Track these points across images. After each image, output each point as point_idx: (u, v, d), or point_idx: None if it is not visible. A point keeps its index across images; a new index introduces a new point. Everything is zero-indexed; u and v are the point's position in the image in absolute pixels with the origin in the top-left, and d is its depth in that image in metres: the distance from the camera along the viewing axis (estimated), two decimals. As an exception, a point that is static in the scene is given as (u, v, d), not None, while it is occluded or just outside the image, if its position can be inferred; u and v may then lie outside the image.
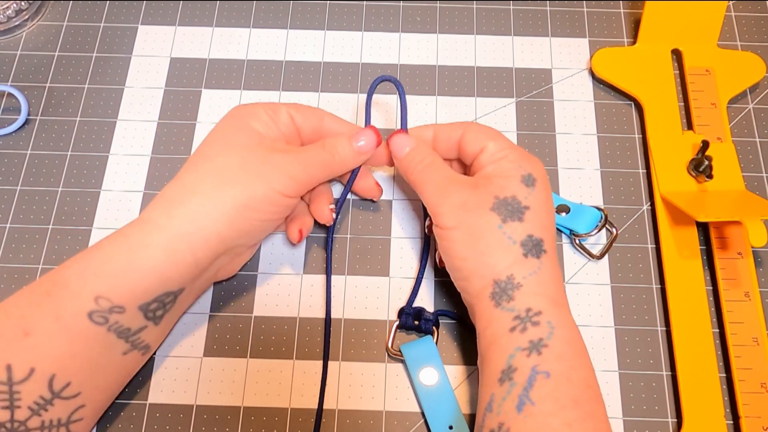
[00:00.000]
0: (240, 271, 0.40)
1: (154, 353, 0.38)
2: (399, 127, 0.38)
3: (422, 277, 0.39)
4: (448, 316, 0.38)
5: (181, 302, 0.34)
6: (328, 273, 0.39)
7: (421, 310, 0.38)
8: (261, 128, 0.35)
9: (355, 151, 0.36)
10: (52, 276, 0.31)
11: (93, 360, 0.31)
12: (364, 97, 0.45)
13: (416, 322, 0.38)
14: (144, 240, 0.31)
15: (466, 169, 0.38)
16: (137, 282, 0.31)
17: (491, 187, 0.33)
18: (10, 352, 0.29)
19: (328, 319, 0.38)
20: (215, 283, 0.40)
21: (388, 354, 0.38)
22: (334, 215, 0.38)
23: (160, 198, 0.33)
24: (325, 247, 0.41)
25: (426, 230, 0.40)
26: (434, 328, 0.38)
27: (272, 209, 0.33)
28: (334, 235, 0.41)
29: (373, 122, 0.38)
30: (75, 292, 0.30)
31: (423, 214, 0.41)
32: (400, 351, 0.37)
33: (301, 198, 0.39)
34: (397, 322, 0.38)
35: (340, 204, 0.39)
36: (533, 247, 0.32)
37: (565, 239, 0.41)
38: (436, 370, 0.36)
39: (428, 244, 0.40)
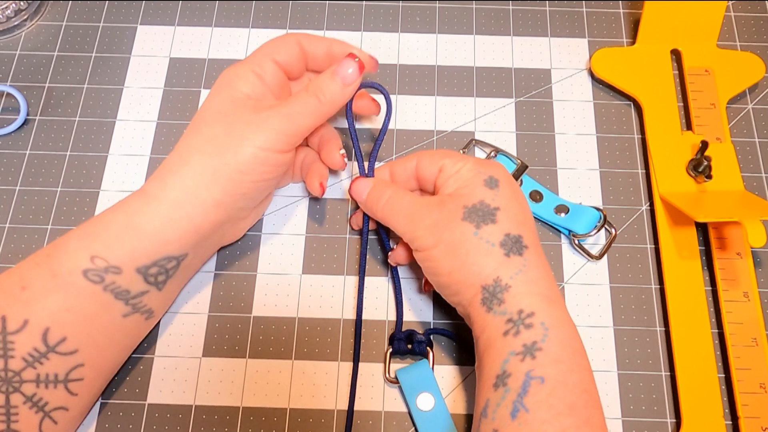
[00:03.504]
0: (239, 271, 0.40)
1: (153, 352, 0.38)
2: (381, 127, 0.38)
3: (401, 298, 0.39)
4: (441, 333, 0.38)
5: (186, 268, 0.35)
6: (361, 273, 0.39)
7: (412, 333, 0.37)
8: (247, 89, 0.35)
9: (341, 86, 0.35)
10: (54, 242, 0.33)
11: (90, 318, 0.31)
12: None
13: (409, 345, 0.37)
14: (141, 208, 0.32)
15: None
16: (134, 244, 0.32)
17: (457, 199, 0.33)
18: (7, 304, 0.30)
19: (359, 320, 0.38)
20: (215, 278, 0.40)
21: (387, 381, 0.37)
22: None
23: (158, 170, 0.34)
24: (323, 249, 0.41)
25: (390, 262, 0.39)
26: (428, 348, 0.37)
27: (264, 169, 0.34)
28: (333, 236, 0.41)
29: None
30: (72, 253, 0.31)
31: (383, 249, 0.41)
32: (396, 377, 0.37)
33: (311, 149, 0.40)
34: (390, 349, 0.37)
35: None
36: (513, 245, 0.32)
37: (564, 239, 0.41)
38: (433, 396, 0.36)
39: (396, 267, 0.39)
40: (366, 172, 0.38)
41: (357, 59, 0.35)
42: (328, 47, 0.37)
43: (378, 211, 0.36)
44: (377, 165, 0.40)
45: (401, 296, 0.39)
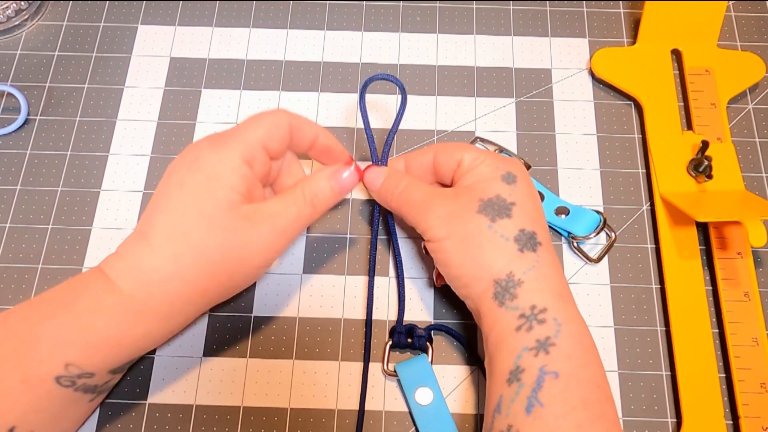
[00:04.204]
0: (240, 271, 0.40)
1: (154, 352, 0.38)
2: (396, 116, 0.38)
3: (403, 292, 0.38)
4: (442, 330, 0.38)
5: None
6: (371, 273, 0.39)
7: (413, 327, 0.37)
8: (238, 184, 0.31)
9: (335, 193, 0.34)
10: (19, 332, 0.30)
11: (58, 413, 0.31)
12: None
13: (409, 340, 0.37)
14: (121, 317, 0.30)
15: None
16: (111, 354, 0.30)
17: (473, 192, 0.33)
18: None
19: (369, 320, 0.38)
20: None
21: (385, 374, 0.37)
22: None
23: (132, 264, 0.30)
24: (324, 248, 0.41)
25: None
26: (428, 344, 0.37)
27: (259, 273, 0.34)
28: (334, 235, 0.41)
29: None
30: (44, 358, 0.29)
31: (392, 250, 0.40)
32: (395, 370, 0.37)
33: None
34: (390, 342, 0.37)
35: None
36: (527, 241, 0.32)
37: (564, 239, 0.41)
38: (431, 390, 0.36)
39: (400, 260, 0.39)
40: (379, 161, 0.38)
41: (357, 171, 0.35)
42: (316, 134, 0.35)
43: (393, 201, 0.36)
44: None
45: (404, 289, 0.39)
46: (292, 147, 0.36)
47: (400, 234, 0.41)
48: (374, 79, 0.38)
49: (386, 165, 0.38)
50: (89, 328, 0.30)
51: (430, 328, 0.38)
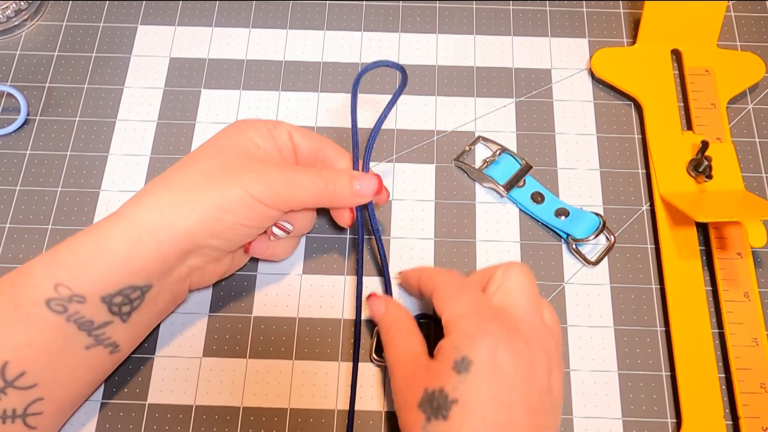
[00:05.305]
0: (239, 271, 0.40)
1: (153, 352, 0.38)
2: (390, 99, 0.37)
3: (389, 279, 0.38)
4: (429, 318, 0.38)
5: (152, 302, 0.33)
6: (359, 273, 0.39)
7: None
8: (257, 138, 0.34)
9: (353, 192, 0.35)
10: (21, 267, 0.31)
11: (52, 351, 0.30)
12: (363, 97, 0.45)
13: None
14: (110, 231, 0.31)
15: None
16: (99, 271, 0.30)
17: (426, 373, 0.31)
18: None
19: (358, 320, 0.38)
20: (214, 285, 0.40)
21: (372, 361, 0.37)
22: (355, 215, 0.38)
23: (138, 192, 0.33)
24: (324, 249, 0.41)
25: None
26: None
27: (248, 214, 0.32)
28: (333, 236, 0.41)
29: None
30: (37, 281, 0.30)
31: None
32: (382, 358, 0.37)
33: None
34: (378, 329, 0.37)
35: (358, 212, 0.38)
36: None
37: (562, 242, 0.41)
38: None
39: (382, 249, 0.39)
40: (360, 165, 0.37)
41: (378, 182, 0.36)
42: (319, 143, 0.36)
43: (384, 338, 0.35)
44: (373, 165, 0.39)
45: (389, 279, 0.39)
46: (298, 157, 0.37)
47: (385, 235, 0.41)
48: (370, 67, 0.36)
49: (368, 160, 0.37)
50: (79, 246, 0.31)
51: (418, 317, 0.38)
